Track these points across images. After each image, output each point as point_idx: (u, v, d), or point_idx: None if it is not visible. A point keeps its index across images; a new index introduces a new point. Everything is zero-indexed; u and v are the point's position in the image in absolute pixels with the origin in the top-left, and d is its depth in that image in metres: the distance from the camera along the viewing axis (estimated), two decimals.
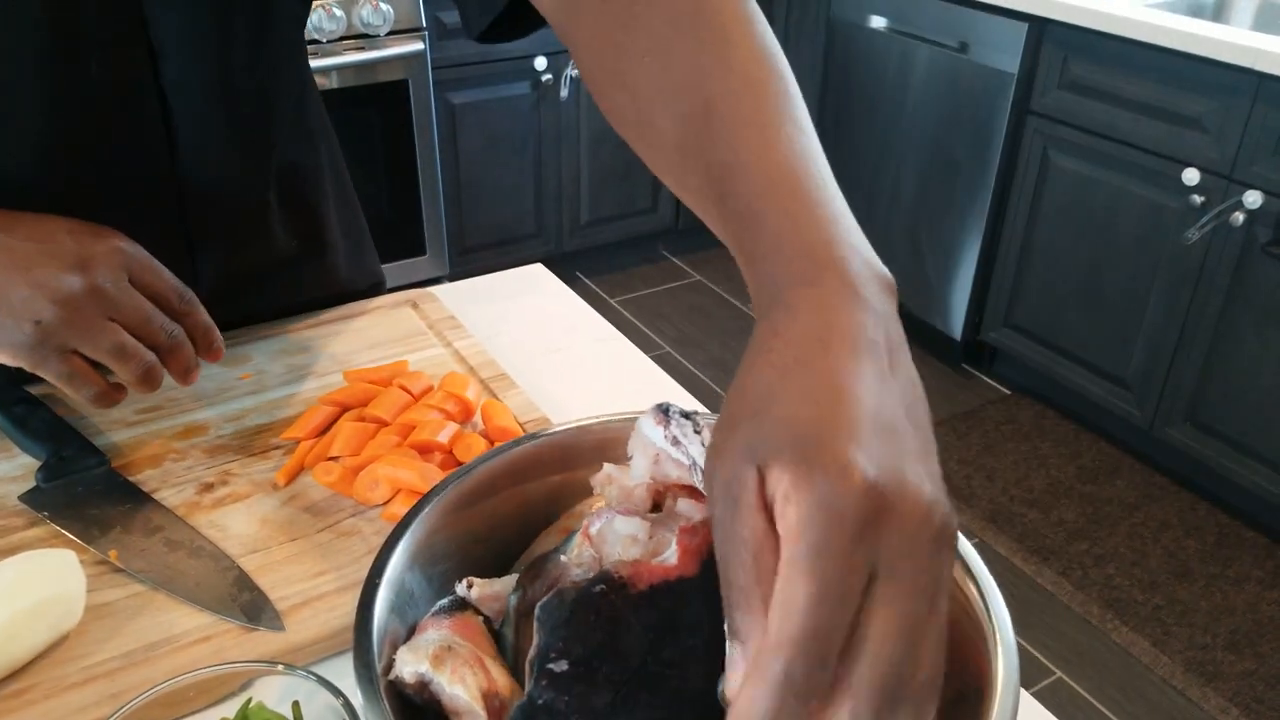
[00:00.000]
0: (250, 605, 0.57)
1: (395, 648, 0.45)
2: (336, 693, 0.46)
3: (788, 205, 0.40)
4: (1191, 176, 1.98)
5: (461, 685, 0.41)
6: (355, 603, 0.45)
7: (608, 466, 0.52)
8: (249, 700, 0.47)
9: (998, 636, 0.41)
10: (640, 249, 3.15)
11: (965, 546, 0.48)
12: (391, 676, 0.42)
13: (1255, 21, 2.32)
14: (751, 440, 0.33)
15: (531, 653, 0.40)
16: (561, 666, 0.39)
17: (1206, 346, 2.06)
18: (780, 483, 0.32)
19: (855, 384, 0.34)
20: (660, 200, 3.04)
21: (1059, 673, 1.83)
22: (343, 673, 0.46)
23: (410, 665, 0.42)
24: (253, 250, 0.81)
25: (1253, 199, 1.89)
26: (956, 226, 2.53)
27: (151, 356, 0.61)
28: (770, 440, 0.33)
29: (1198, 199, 1.98)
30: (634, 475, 0.50)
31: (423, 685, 0.42)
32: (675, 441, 0.46)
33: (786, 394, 0.34)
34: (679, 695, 0.40)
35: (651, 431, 0.48)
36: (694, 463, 0.45)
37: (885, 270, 0.39)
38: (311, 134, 0.83)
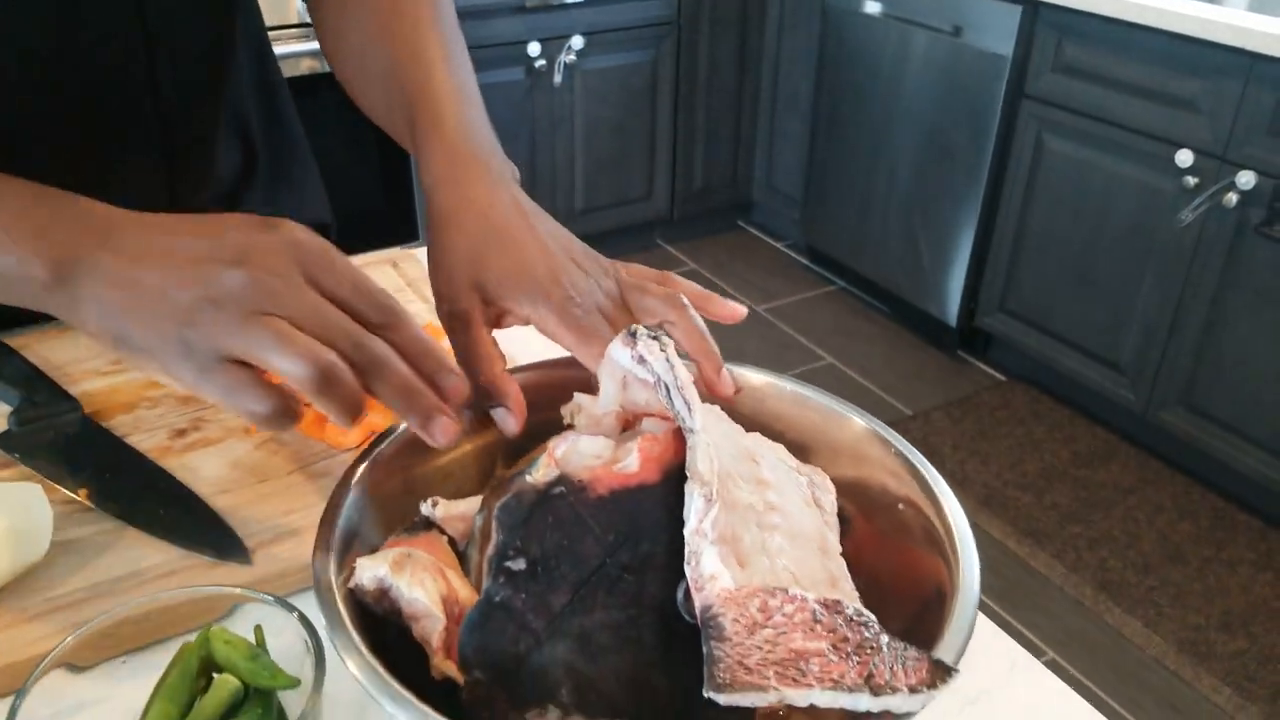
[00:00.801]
0: (218, 541, 0.56)
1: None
2: (291, 609, 0.45)
3: (446, 129, 0.60)
4: (1185, 158, 1.97)
5: (421, 589, 0.41)
6: None
7: (577, 396, 0.52)
8: (209, 624, 0.47)
9: (955, 537, 0.41)
10: (635, 237, 3.14)
11: (929, 470, 0.48)
12: (351, 585, 0.42)
13: (1249, 2, 2.31)
14: (474, 284, 0.53)
15: (489, 551, 0.40)
16: (519, 565, 0.39)
17: (1200, 329, 2.05)
18: (515, 303, 0.53)
19: (530, 234, 0.55)
20: (655, 188, 3.04)
21: (1051, 653, 1.82)
22: (309, 607, 0.46)
23: (369, 571, 0.42)
24: (223, 187, 0.83)
25: (1246, 180, 1.88)
26: (951, 212, 2.52)
27: (329, 354, 0.45)
28: (492, 283, 0.53)
29: (1191, 180, 1.97)
30: (602, 403, 0.50)
31: (382, 592, 0.42)
32: (641, 360, 0.46)
33: (487, 249, 0.54)
34: (637, 599, 0.40)
35: (619, 354, 0.48)
36: (658, 378, 0.45)
37: (509, 162, 0.60)
38: (261, 63, 0.86)
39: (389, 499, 0.49)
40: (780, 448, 0.51)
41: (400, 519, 0.49)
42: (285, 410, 0.46)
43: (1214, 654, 1.81)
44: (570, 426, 0.52)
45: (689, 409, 0.43)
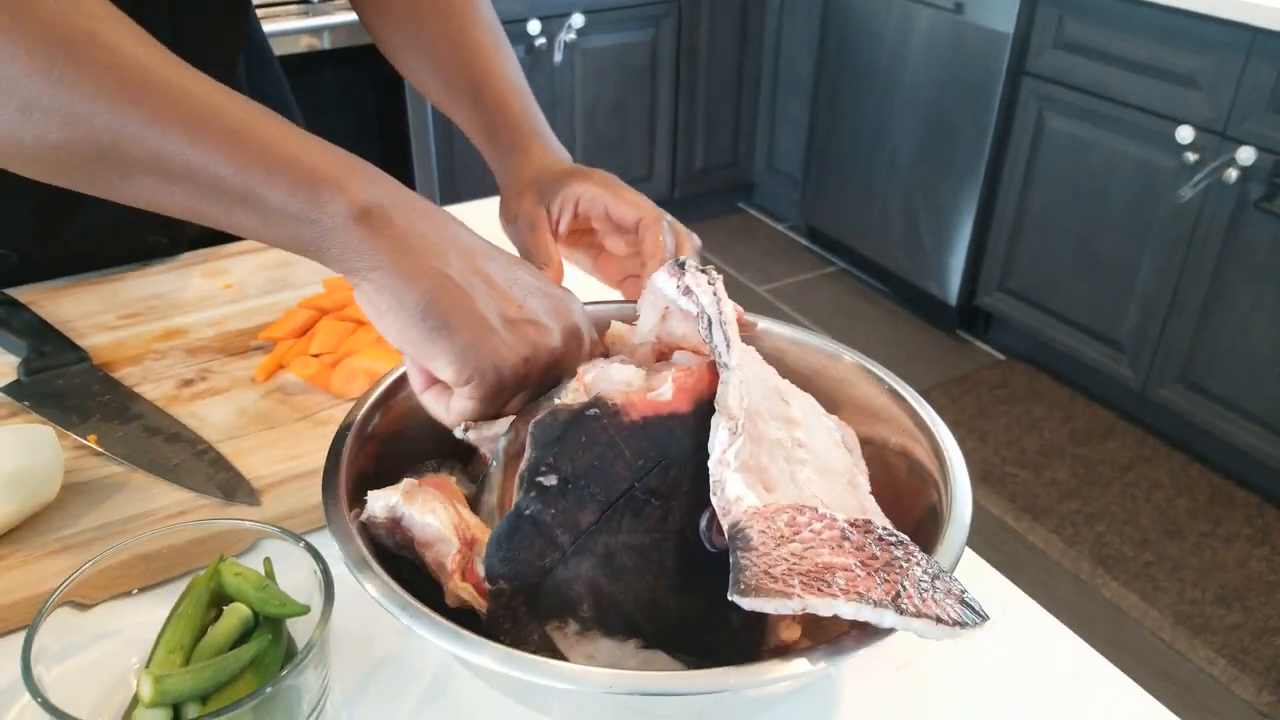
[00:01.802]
0: (226, 483, 0.57)
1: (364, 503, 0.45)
2: (298, 539, 0.46)
3: (512, 109, 0.68)
4: (1185, 134, 1.98)
5: (433, 515, 0.41)
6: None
7: (615, 324, 0.52)
8: (220, 557, 0.48)
9: (950, 464, 0.42)
10: None
11: (919, 401, 0.49)
12: (364, 518, 0.43)
13: None
14: (538, 195, 0.62)
15: (522, 466, 0.41)
16: (550, 480, 0.40)
17: (1199, 305, 2.06)
18: (576, 190, 0.61)
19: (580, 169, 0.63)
20: (655, 169, 3.04)
21: None
22: (318, 546, 0.47)
23: (381, 501, 0.42)
24: None
25: (1246, 155, 1.88)
26: (952, 191, 2.53)
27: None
28: (549, 185, 0.62)
29: (1192, 157, 1.98)
30: (640, 332, 0.50)
31: (394, 521, 0.42)
32: (688, 291, 0.46)
33: (551, 172, 0.63)
34: (662, 525, 0.40)
35: (665, 284, 0.48)
36: (702, 310, 0.45)
37: (564, 148, 0.68)
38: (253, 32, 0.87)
39: (397, 430, 0.50)
40: (808, 396, 0.50)
41: (409, 450, 0.50)
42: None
43: (1210, 627, 1.82)
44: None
45: (727, 345, 0.43)
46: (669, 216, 0.62)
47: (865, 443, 0.50)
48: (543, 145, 0.67)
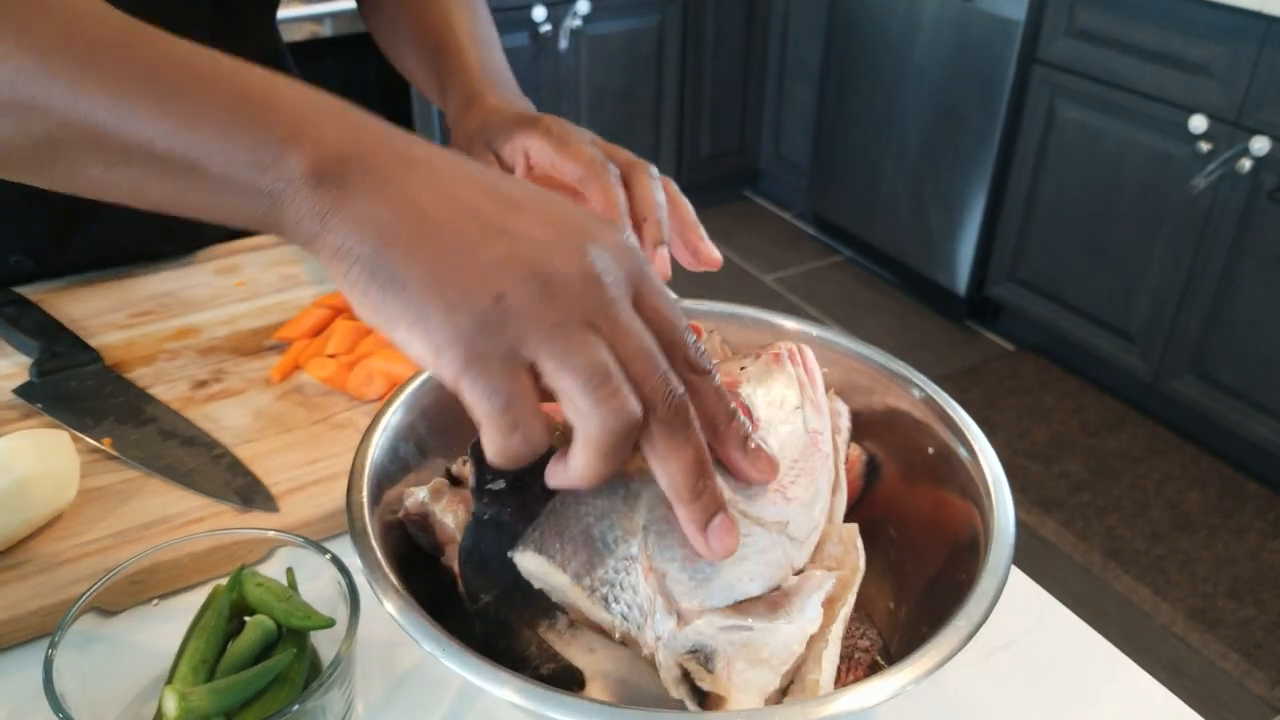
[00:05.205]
0: (244, 489, 0.56)
1: (388, 509, 0.45)
2: (323, 551, 0.45)
3: (471, 73, 0.66)
4: (1199, 124, 1.96)
5: (451, 515, 0.43)
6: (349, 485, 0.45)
7: None
8: (241, 567, 0.47)
9: (992, 489, 0.41)
10: None
11: (965, 419, 0.48)
12: (400, 514, 0.44)
13: None
14: (484, 141, 0.60)
15: (471, 483, 0.41)
16: (499, 485, 0.41)
17: (1211, 296, 2.04)
18: (519, 139, 0.59)
19: (528, 117, 0.61)
20: (661, 156, 3.02)
21: None
22: (338, 553, 0.46)
23: (414, 496, 0.45)
24: None
25: (1260, 145, 1.86)
26: (961, 180, 2.51)
27: (637, 411, 0.34)
28: (494, 128, 0.60)
29: (1205, 146, 1.96)
30: None
31: (423, 515, 0.44)
32: None
33: (497, 125, 0.60)
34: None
35: None
36: None
37: (526, 99, 0.65)
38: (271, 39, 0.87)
39: (421, 439, 0.49)
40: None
41: (432, 459, 0.49)
42: (539, 438, 0.34)
43: (1222, 621, 1.82)
44: None
45: None
46: (614, 171, 0.57)
47: (903, 451, 0.49)
48: (496, 92, 0.63)
